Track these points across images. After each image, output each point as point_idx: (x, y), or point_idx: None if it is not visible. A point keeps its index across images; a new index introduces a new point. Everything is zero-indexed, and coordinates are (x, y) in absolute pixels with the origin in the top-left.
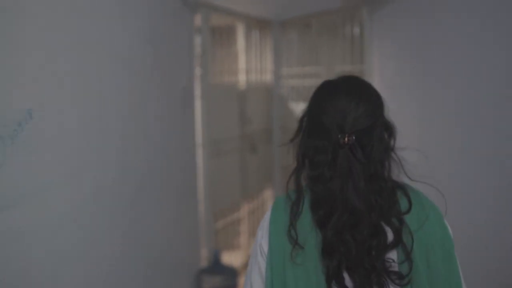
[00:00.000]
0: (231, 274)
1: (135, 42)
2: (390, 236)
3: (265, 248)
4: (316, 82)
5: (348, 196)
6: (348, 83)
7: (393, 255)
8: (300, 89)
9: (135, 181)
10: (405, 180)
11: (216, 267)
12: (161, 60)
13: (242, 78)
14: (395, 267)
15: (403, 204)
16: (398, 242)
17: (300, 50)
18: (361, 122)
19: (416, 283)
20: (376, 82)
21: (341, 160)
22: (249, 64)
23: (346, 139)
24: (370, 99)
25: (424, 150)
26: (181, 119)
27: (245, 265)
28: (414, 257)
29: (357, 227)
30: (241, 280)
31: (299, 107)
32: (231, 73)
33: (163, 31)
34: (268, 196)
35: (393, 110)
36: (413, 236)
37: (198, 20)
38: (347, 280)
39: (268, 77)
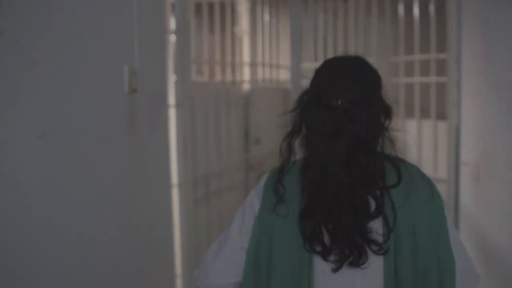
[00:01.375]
0: None
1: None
2: (373, 206)
3: (256, 205)
4: None
5: (322, 155)
6: (349, 61)
7: (375, 225)
8: None
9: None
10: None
11: None
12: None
13: (245, 76)
14: (376, 237)
15: (392, 177)
16: (378, 213)
17: (329, 36)
18: (355, 94)
19: (399, 255)
20: (469, 76)
21: (330, 122)
22: (256, 55)
23: (339, 101)
24: (366, 76)
25: None
26: (128, 145)
27: None
28: (397, 230)
29: (325, 186)
30: None
31: None
32: (228, 69)
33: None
34: None
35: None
36: (397, 211)
37: None
38: (327, 238)
39: (283, 74)
